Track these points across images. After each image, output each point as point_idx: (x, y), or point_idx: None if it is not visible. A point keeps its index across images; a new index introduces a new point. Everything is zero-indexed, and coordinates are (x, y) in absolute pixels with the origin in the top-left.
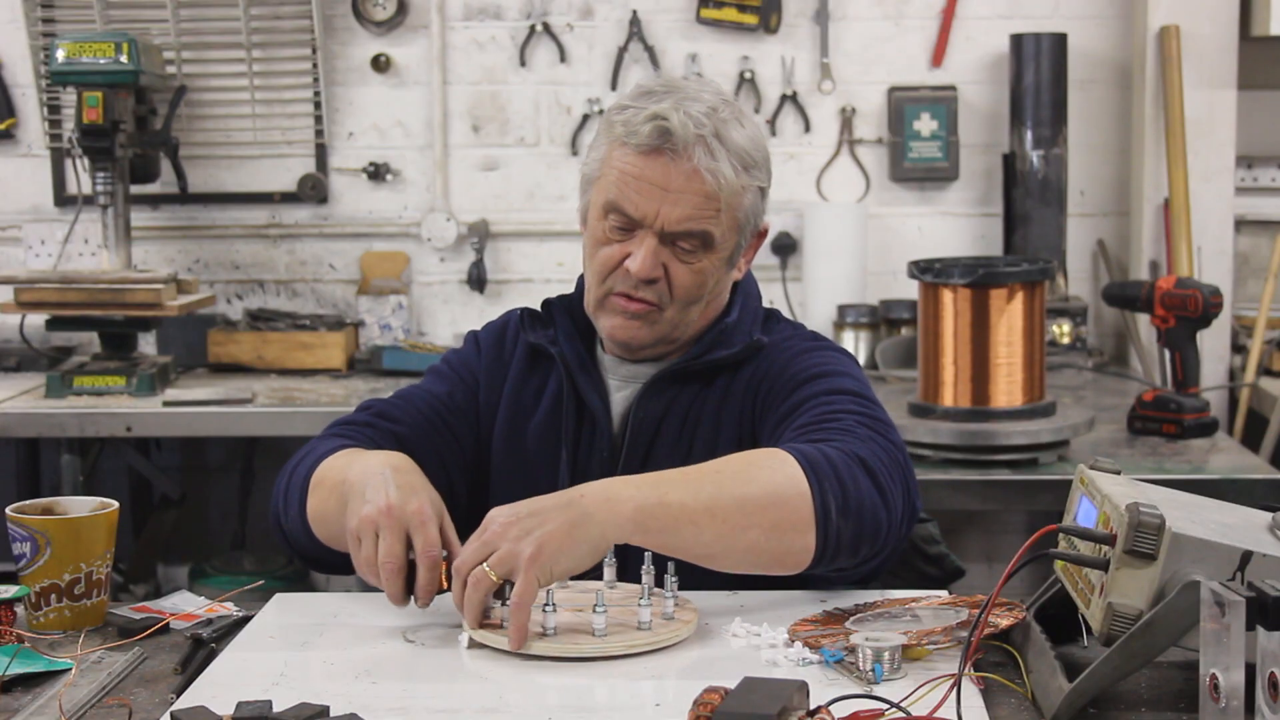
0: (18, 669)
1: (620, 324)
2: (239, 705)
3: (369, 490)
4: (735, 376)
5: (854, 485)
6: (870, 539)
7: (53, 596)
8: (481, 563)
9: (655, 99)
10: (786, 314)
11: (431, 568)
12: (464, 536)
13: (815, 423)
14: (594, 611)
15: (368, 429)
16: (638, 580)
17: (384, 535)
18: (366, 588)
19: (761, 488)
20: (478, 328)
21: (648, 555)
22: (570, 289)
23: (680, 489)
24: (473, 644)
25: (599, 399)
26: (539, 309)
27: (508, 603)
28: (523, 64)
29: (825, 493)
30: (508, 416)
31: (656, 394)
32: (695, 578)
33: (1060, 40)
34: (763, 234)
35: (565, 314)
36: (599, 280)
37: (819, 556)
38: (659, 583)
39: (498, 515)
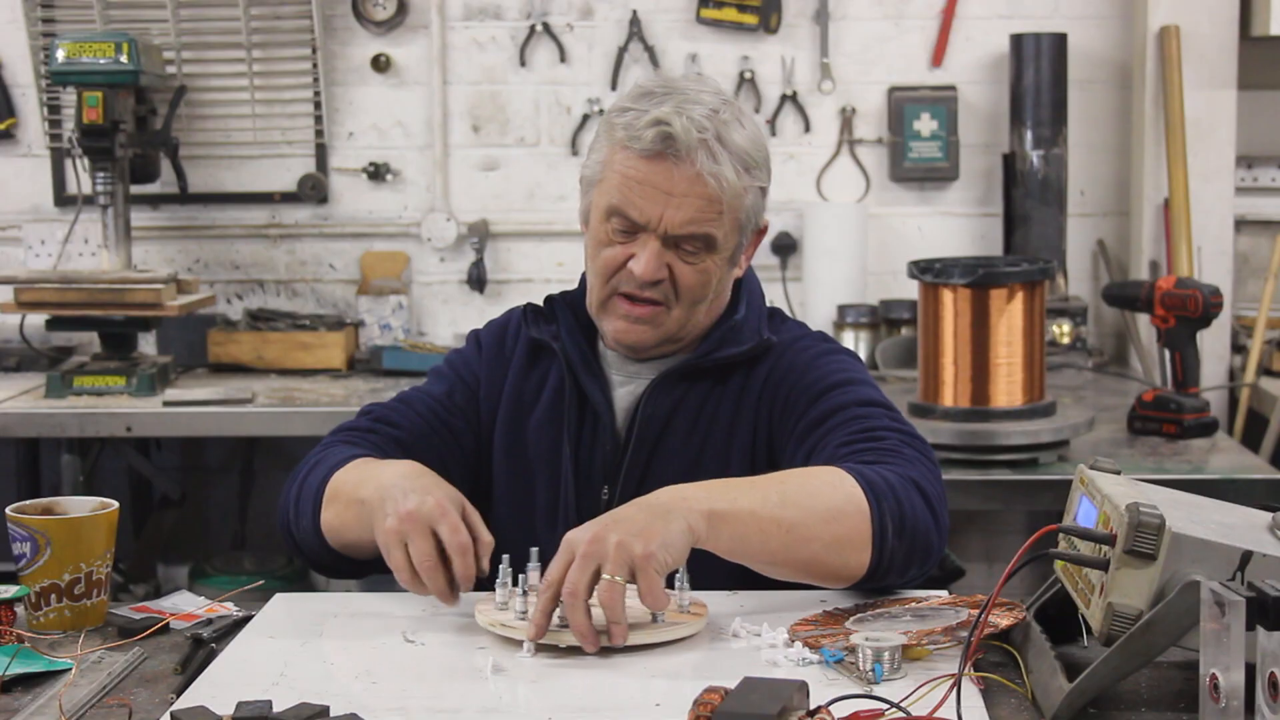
0: (18, 669)
1: (625, 327)
2: (239, 705)
3: (388, 504)
4: (750, 375)
5: (911, 507)
6: (921, 560)
7: (53, 596)
8: (591, 578)
9: (656, 101)
10: (787, 314)
11: (463, 554)
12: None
13: (860, 440)
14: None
15: (370, 434)
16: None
17: (412, 540)
18: (367, 587)
19: (825, 502)
20: (479, 327)
21: None
22: (571, 288)
23: (749, 496)
24: (538, 649)
25: (600, 394)
26: (542, 304)
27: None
28: (523, 64)
29: (884, 513)
30: (509, 411)
31: (665, 391)
32: (696, 578)
33: (1060, 40)
34: (763, 231)
35: (567, 309)
36: (602, 281)
37: (870, 574)
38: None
39: (580, 535)
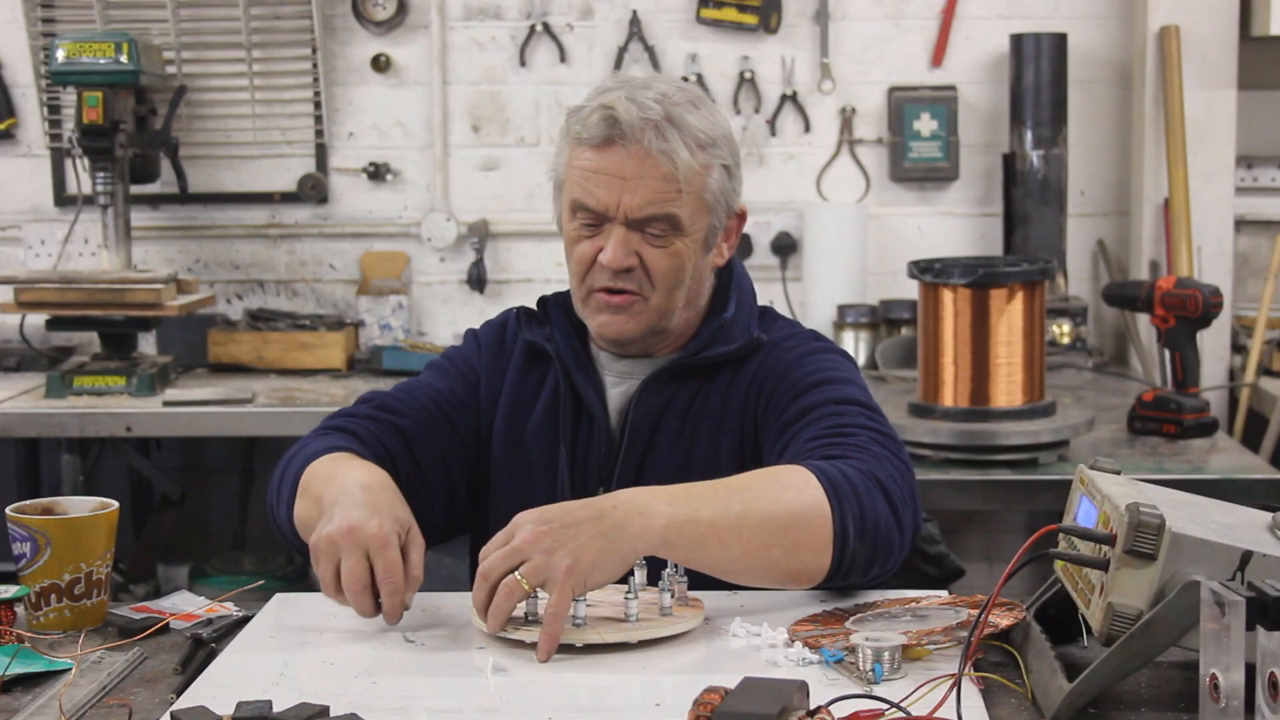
0: (18, 669)
1: (606, 320)
2: (239, 705)
3: (336, 510)
4: (738, 373)
5: (872, 508)
6: (882, 560)
7: (53, 596)
8: (511, 570)
9: (608, 94)
10: (786, 314)
11: (392, 593)
12: (467, 533)
13: (830, 435)
14: (625, 598)
15: (369, 421)
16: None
17: (345, 557)
18: None
19: (787, 507)
20: (475, 327)
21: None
22: (566, 288)
23: (710, 505)
24: (496, 666)
25: (595, 395)
26: (535, 307)
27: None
28: (523, 64)
29: (845, 515)
30: (507, 413)
31: (655, 390)
32: (697, 576)
33: (1060, 40)
34: (741, 216)
35: (561, 311)
36: (579, 280)
37: (831, 575)
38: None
39: (526, 520)
